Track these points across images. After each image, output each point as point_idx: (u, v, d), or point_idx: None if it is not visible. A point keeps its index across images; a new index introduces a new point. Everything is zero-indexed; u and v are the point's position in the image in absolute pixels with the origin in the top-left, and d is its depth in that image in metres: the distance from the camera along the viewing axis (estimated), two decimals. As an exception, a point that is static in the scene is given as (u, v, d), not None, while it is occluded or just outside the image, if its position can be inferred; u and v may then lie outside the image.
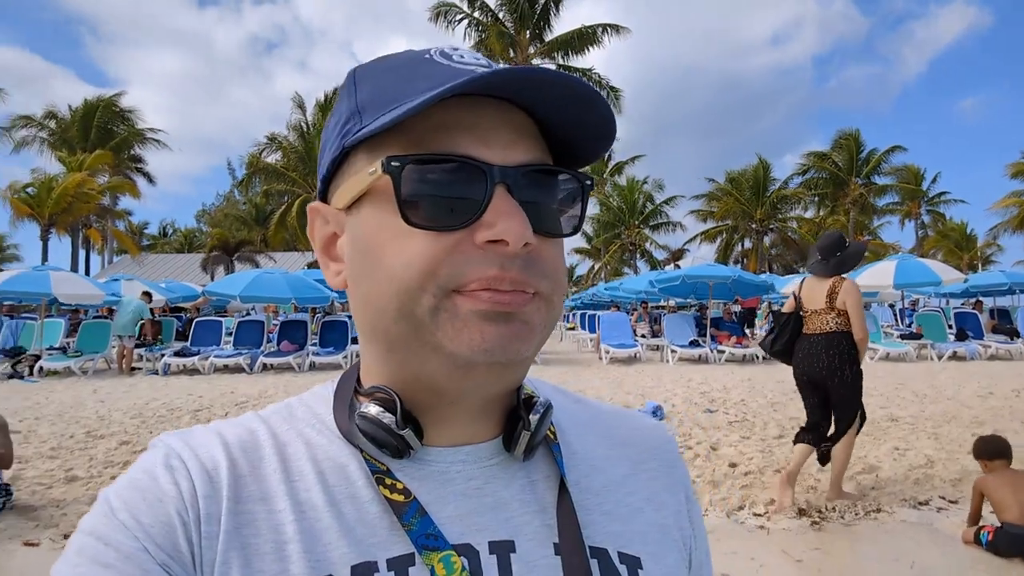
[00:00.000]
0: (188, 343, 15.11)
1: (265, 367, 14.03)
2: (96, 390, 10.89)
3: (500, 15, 29.39)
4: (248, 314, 20.61)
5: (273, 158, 35.50)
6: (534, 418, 0.57)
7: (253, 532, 0.51)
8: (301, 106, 36.15)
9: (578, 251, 54.75)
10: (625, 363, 14.97)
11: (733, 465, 5.91)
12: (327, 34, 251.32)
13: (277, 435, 0.58)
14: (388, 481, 0.54)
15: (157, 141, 39.71)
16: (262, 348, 14.71)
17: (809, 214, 46.07)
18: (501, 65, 0.51)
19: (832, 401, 4.82)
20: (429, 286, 0.50)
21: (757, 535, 4.32)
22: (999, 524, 3.95)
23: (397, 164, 0.50)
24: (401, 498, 0.54)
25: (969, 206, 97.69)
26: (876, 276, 15.44)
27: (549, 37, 29.80)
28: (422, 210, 0.50)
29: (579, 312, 25.77)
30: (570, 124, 0.54)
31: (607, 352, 15.28)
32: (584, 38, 29.12)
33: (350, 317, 19.73)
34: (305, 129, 35.40)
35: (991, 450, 4.31)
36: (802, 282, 5.08)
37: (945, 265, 17.75)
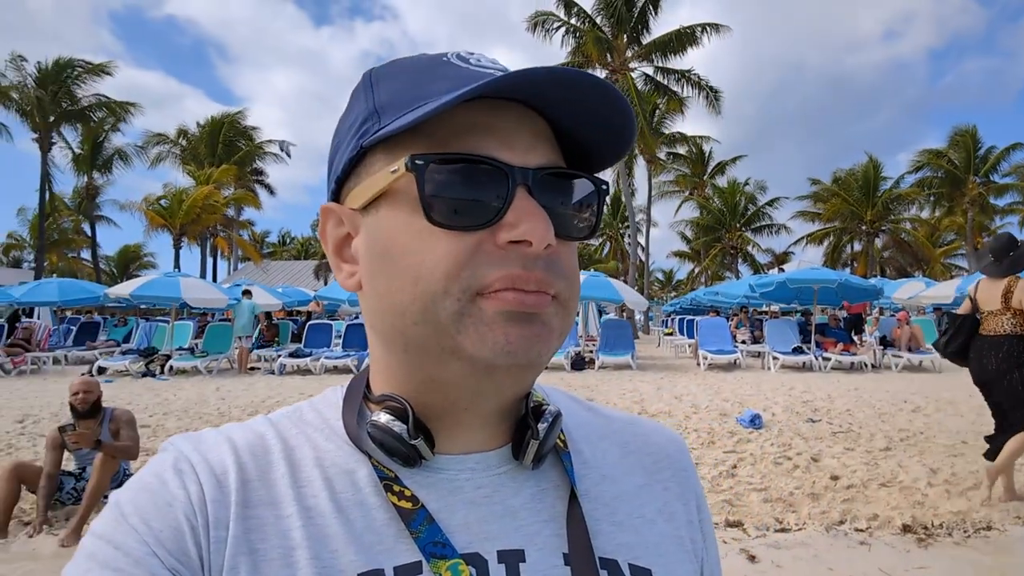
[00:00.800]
0: (302, 345, 15.92)
1: (285, 368, 14.35)
2: (219, 388, 11.67)
3: (597, 20, 29.34)
4: (357, 317, 21.53)
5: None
6: (543, 426, 0.57)
7: (261, 537, 0.51)
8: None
9: (677, 255, 53.74)
10: (724, 369, 14.69)
11: (835, 478, 5.74)
12: (432, 47, 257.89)
13: (286, 439, 0.58)
14: (396, 488, 0.54)
15: (276, 155, 42.05)
16: (368, 350, 15.21)
17: (924, 214, 43.50)
18: (517, 68, 0.51)
19: (1002, 405, 4.78)
20: (453, 289, 0.50)
21: (858, 551, 4.22)
22: None
23: (421, 162, 0.50)
24: (409, 505, 0.53)
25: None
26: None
27: (647, 40, 29.50)
28: (445, 210, 0.50)
29: (677, 317, 25.34)
30: (589, 125, 0.54)
31: (705, 358, 15.04)
32: (682, 39, 28.57)
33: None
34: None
35: None
36: (977, 284, 5.05)
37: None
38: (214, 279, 39.15)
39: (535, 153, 0.52)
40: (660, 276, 73.42)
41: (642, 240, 41.99)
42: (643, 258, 41.70)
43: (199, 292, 15.23)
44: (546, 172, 0.52)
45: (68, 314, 23.36)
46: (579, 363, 15.14)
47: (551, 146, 0.54)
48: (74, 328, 18.90)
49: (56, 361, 15.95)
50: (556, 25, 29.37)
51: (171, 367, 14.10)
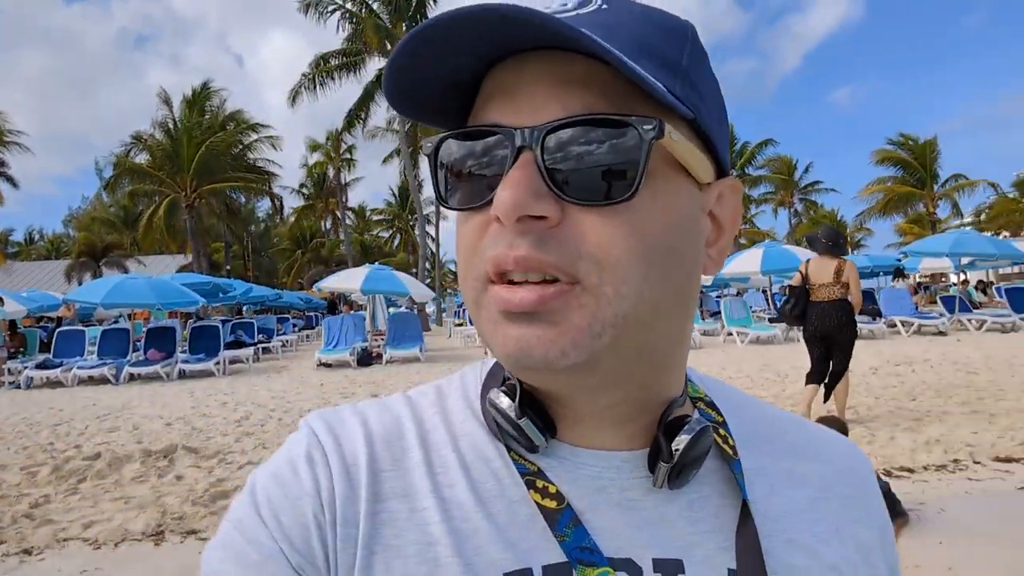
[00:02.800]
0: (51, 355, 14.31)
1: (132, 377, 13.41)
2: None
3: (375, 6, 29.03)
4: (116, 322, 19.52)
5: (141, 158, 33.67)
6: (681, 439, 0.49)
7: (394, 533, 0.49)
8: (167, 102, 34.41)
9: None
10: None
11: None
12: (200, 24, 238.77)
13: (422, 421, 0.55)
14: (539, 484, 0.50)
15: (19, 144, 36.91)
16: (128, 357, 14.00)
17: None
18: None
19: (834, 350, 6.55)
20: (468, 276, 0.47)
21: None
22: None
23: (431, 146, 0.49)
24: (554, 504, 0.49)
25: (840, 194, 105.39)
26: (745, 263, 16.56)
27: (427, 29, 29.67)
28: (455, 189, 0.48)
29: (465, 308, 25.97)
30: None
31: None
32: (463, 32, 29.19)
33: (223, 322, 19.19)
34: (172, 126, 33.76)
35: None
36: (807, 262, 6.83)
37: (807, 250, 19.17)
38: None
39: (550, 107, 0.44)
40: (453, 268, 74.61)
41: (433, 231, 42.37)
42: (434, 250, 42.10)
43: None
44: (552, 126, 0.43)
45: None
46: (366, 359, 14.93)
47: (585, 91, 0.44)
48: None
49: None
50: (331, 8, 28.68)
51: None
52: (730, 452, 0.55)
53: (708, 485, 0.53)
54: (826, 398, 6.81)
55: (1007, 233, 36.50)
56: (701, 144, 0.48)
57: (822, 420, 4.54)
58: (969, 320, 17.04)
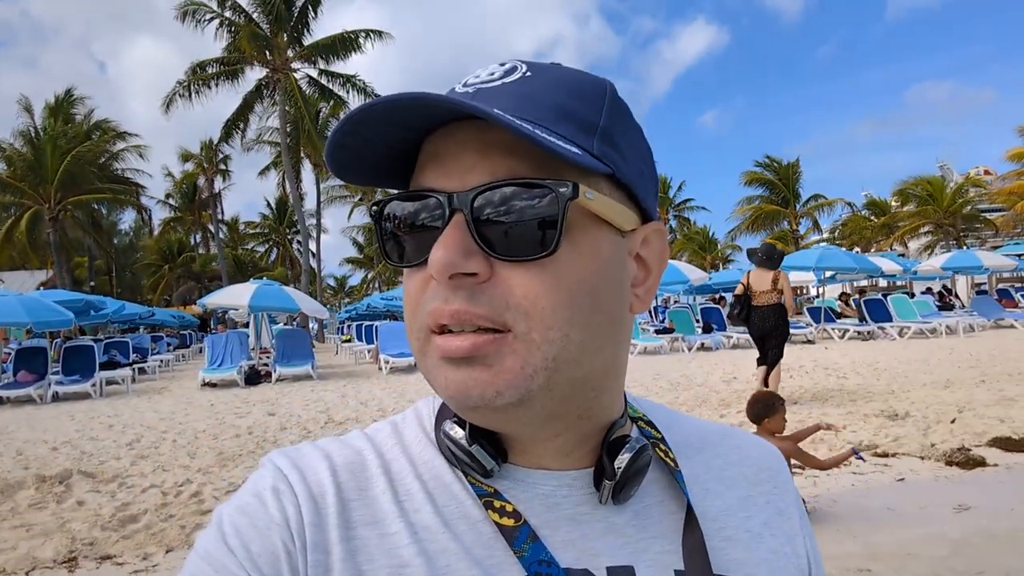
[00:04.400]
0: None
1: (1, 400, 12.54)
2: None
3: (254, 16, 28.12)
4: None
5: (-2, 167, 30.79)
6: (622, 458, 0.54)
7: (367, 558, 0.50)
8: (28, 109, 31.83)
9: (350, 261, 53.87)
10: (406, 372, 15.05)
11: None
12: (64, 32, 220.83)
13: (382, 453, 0.57)
14: (497, 504, 0.53)
15: None
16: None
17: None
18: (457, 89, 0.52)
19: (770, 345, 8.30)
20: (412, 328, 0.51)
21: None
22: None
23: (375, 208, 0.53)
24: (511, 522, 0.52)
25: (711, 212, 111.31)
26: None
27: (308, 41, 29.13)
28: (397, 248, 0.52)
29: (354, 323, 25.48)
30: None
31: (387, 362, 15.23)
32: (346, 43, 28.75)
33: (97, 341, 17.82)
34: (33, 135, 31.21)
35: (751, 413, 4.68)
36: (748, 273, 8.43)
37: (691, 266, 20.21)
38: None
39: (476, 172, 0.48)
40: (332, 283, 72.76)
41: (313, 247, 41.23)
42: (314, 265, 40.96)
43: None
44: (479, 191, 0.47)
45: None
46: (254, 377, 14.35)
47: (506, 157, 0.48)
48: None
49: None
50: (209, 17, 27.52)
51: None
52: (671, 464, 0.60)
53: (652, 495, 0.58)
54: (764, 384, 8.25)
55: (859, 248, 40.05)
56: (622, 194, 0.53)
57: (761, 394, 4.86)
58: (833, 329, 18.54)
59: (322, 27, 40.15)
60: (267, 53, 28.33)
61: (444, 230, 0.47)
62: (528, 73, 0.52)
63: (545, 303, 0.47)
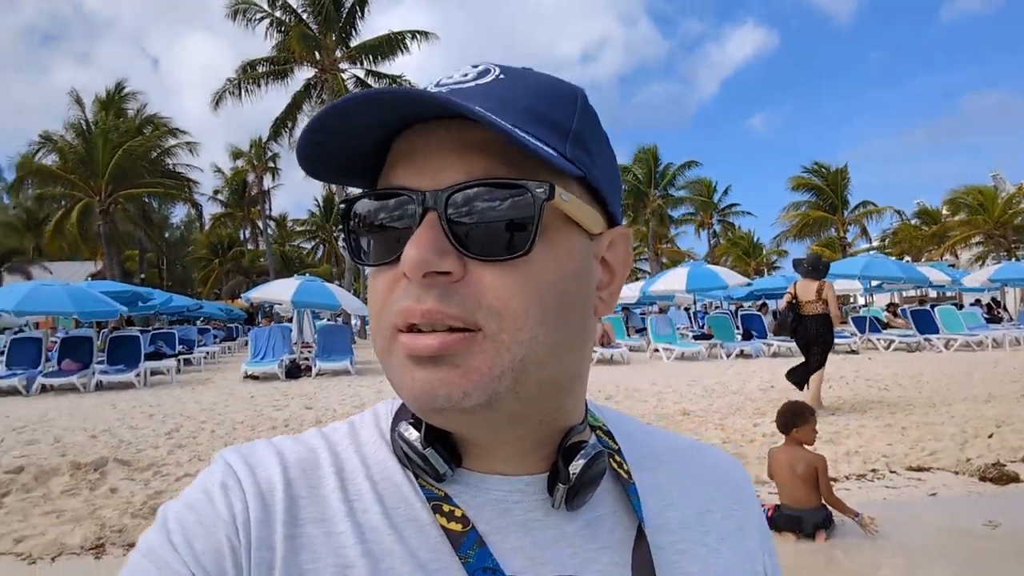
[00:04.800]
0: None
1: (45, 388, 12.83)
2: None
3: (304, 16, 28.69)
4: (21, 331, 18.45)
5: (50, 159, 31.96)
6: (577, 464, 0.53)
7: (311, 557, 0.50)
8: (79, 102, 32.89)
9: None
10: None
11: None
12: (114, 27, 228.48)
13: (336, 452, 0.57)
14: (446, 508, 0.53)
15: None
16: (40, 368, 13.30)
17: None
18: (428, 88, 0.52)
19: (814, 352, 8.46)
20: (378, 327, 0.50)
21: None
22: (778, 504, 4.49)
23: (344, 206, 0.52)
24: (459, 527, 0.52)
25: (756, 217, 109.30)
26: (671, 282, 17.15)
27: (356, 42, 29.61)
28: (365, 246, 0.52)
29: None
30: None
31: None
32: (393, 44, 29.07)
33: (144, 332, 18.41)
34: (84, 128, 32.18)
35: (780, 423, 4.64)
36: (795, 284, 8.72)
37: (731, 271, 19.89)
38: None
39: (450, 171, 0.48)
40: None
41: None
42: (358, 262, 41.49)
43: None
44: (454, 190, 0.47)
45: None
46: (294, 371, 14.65)
47: (481, 157, 0.48)
48: None
49: None
50: (259, 16, 28.15)
51: None
52: (625, 476, 0.59)
53: (604, 505, 0.57)
54: (791, 376, 8.62)
55: (909, 258, 38.97)
56: (591, 198, 0.53)
57: (792, 404, 4.78)
58: (878, 340, 18.11)
59: (369, 28, 40.74)
60: (316, 53, 28.79)
61: (417, 229, 0.47)
62: (501, 76, 0.53)
63: (517, 303, 0.47)
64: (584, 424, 0.58)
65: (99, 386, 13.13)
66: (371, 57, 29.40)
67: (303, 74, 29.66)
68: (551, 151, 0.48)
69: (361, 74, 29.95)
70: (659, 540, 0.57)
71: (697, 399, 9.94)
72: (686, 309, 25.12)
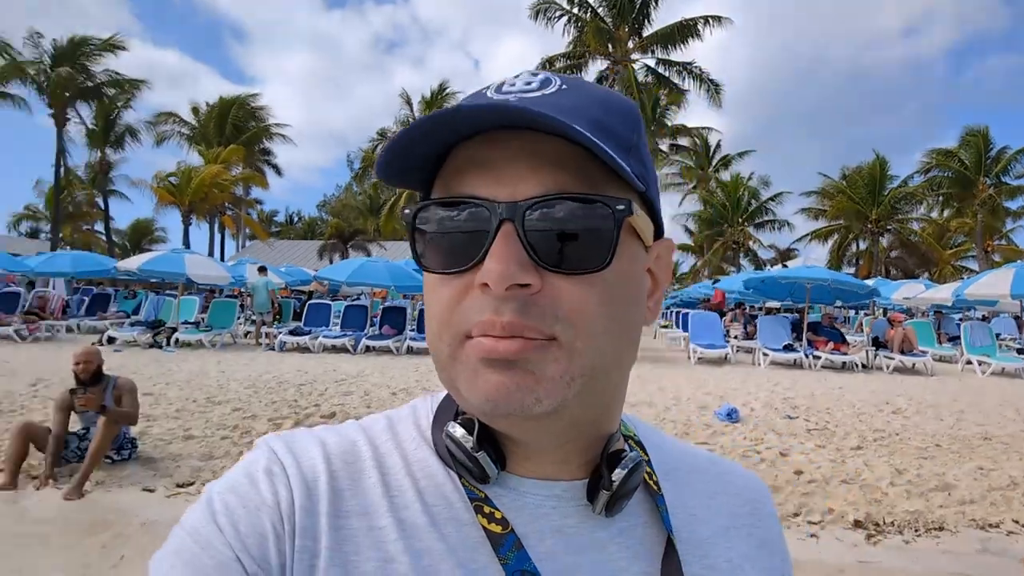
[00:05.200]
0: (301, 323, 16.16)
1: (367, 349, 14.57)
2: (220, 361, 11.92)
3: (599, 10, 29.31)
4: (358, 299, 21.68)
5: (384, 152, 37.29)
6: (618, 473, 0.54)
7: (354, 549, 0.50)
8: (408, 102, 37.66)
9: (681, 248, 53.63)
10: (714, 364, 14.70)
11: (799, 472, 5.89)
12: (444, 33, 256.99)
13: (376, 446, 0.57)
14: (487, 509, 0.53)
15: (283, 136, 42.44)
16: (365, 331, 15.46)
17: (935, 215, 43.16)
18: (495, 98, 0.51)
19: None
20: (444, 334, 0.50)
21: (806, 543, 4.41)
22: None
23: (409, 212, 0.52)
24: (499, 529, 0.52)
25: None
26: (991, 285, 14.54)
27: (648, 31, 29.54)
28: (432, 254, 0.51)
29: (674, 310, 25.49)
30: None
31: (695, 352, 15.03)
32: (684, 31, 28.61)
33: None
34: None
35: None
36: None
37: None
38: (222, 256, 39.57)
39: (529, 182, 0.48)
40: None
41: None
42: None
43: (203, 269, 15.61)
44: (534, 202, 0.48)
45: (81, 285, 23.68)
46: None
47: (560, 170, 0.49)
48: (87, 299, 19.24)
49: (69, 330, 16.36)
50: (558, 14, 29.39)
51: (177, 339, 14.36)
52: (655, 487, 0.60)
53: (636, 515, 0.58)
54: None
55: None
56: (646, 210, 0.55)
57: None
58: None
59: (661, 16, 40.28)
60: (609, 46, 29.41)
61: (494, 240, 0.47)
62: (564, 87, 0.53)
63: (591, 315, 0.48)
64: (619, 432, 0.59)
65: (410, 350, 14.65)
66: (662, 46, 29.11)
67: (596, 67, 30.41)
68: (627, 168, 0.49)
69: (652, 63, 29.84)
70: (686, 553, 0.57)
71: (1005, 423, 8.32)
72: (1016, 317, 20.90)
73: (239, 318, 16.59)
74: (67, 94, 30.42)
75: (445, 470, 0.56)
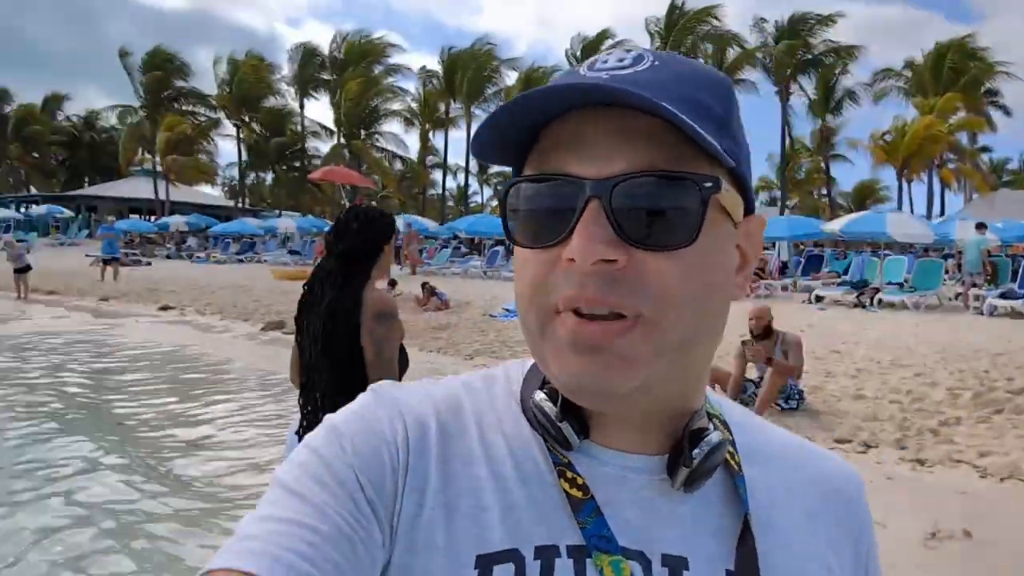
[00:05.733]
0: (1016, 285, 13.97)
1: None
2: (918, 324, 11.48)
3: None
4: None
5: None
6: (697, 453, 0.54)
7: (456, 492, 0.53)
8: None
9: None
10: None
11: None
12: None
13: (476, 403, 0.59)
14: (569, 475, 0.54)
15: (1007, 74, 37.06)
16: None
17: None
18: (590, 75, 0.52)
19: None
20: (532, 305, 0.51)
21: None
22: None
23: (502, 187, 0.53)
24: (580, 494, 0.53)
25: None
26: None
27: None
28: (522, 229, 0.52)
29: None
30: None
31: None
32: None
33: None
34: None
35: None
36: None
37: None
38: (941, 212, 36.57)
39: (618, 160, 0.49)
40: None
41: None
42: None
43: (905, 227, 15.29)
44: (621, 179, 0.48)
45: (806, 247, 25.61)
46: None
47: (648, 147, 0.49)
48: (802, 260, 20.81)
49: (784, 288, 17.98)
50: None
51: (880, 300, 14.38)
52: (736, 467, 0.59)
53: (715, 493, 0.57)
54: None
55: None
56: (737, 187, 0.54)
57: None
58: None
59: None
60: None
61: (582, 216, 0.48)
62: (656, 62, 0.53)
63: (677, 291, 0.49)
64: (703, 410, 0.59)
65: None
66: None
67: None
68: (716, 144, 0.48)
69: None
70: (763, 537, 0.56)
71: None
72: None
73: (947, 279, 15.54)
74: (788, 71, 33.24)
75: (532, 432, 0.57)
